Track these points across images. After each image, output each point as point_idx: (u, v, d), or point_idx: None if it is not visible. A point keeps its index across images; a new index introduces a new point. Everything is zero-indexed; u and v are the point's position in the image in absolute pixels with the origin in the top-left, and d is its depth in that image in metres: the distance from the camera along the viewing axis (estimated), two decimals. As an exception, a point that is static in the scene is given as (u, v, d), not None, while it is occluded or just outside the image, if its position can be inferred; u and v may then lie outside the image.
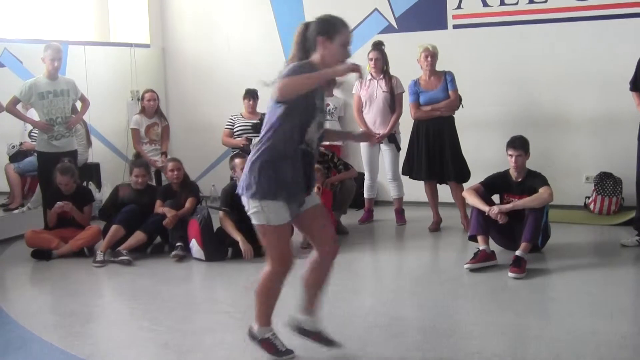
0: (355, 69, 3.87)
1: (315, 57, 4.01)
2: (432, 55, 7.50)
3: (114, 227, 7.04)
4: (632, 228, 6.92)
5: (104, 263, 6.79)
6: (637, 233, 6.76)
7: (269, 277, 4.13)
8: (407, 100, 7.72)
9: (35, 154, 8.04)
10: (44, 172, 7.73)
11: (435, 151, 7.46)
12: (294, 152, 3.97)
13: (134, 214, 7.16)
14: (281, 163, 3.95)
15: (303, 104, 3.91)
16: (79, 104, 8.16)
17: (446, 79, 7.53)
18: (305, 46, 4.06)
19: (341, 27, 4.03)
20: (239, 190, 4.07)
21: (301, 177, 4.03)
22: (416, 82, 7.61)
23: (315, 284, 4.33)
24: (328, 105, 9.08)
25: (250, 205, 4.03)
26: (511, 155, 6.38)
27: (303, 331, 4.37)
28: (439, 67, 7.59)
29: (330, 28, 4.00)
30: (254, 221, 4.08)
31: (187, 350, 4.53)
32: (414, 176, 7.71)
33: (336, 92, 9.15)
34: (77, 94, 7.99)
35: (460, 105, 7.59)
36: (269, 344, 4.25)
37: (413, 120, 7.67)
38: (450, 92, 7.49)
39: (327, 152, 7.78)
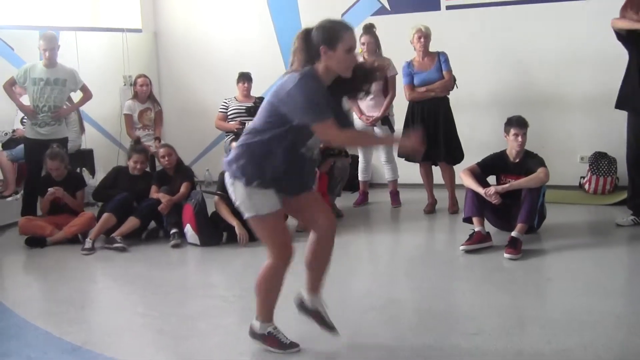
0: (417, 150, 3.91)
1: (320, 66, 3.80)
2: (425, 36, 7.47)
3: (105, 215, 7.02)
4: (626, 207, 6.92)
5: (92, 251, 6.76)
6: (632, 212, 6.76)
7: (269, 270, 4.04)
8: (401, 82, 7.69)
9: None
10: (29, 158, 7.79)
11: (430, 132, 7.44)
12: (293, 154, 3.88)
13: (126, 203, 7.13)
14: (272, 158, 3.85)
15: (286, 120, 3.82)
16: (79, 94, 8.13)
17: (440, 59, 7.50)
18: (311, 54, 3.82)
19: (343, 32, 3.78)
20: (226, 178, 3.98)
21: (296, 176, 3.98)
22: (410, 64, 7.58)
23: (318, 264, 4.25)
24: None
25: (237, 195, 3.93)
26: (516, 134, 6.33)
27: (304, 309, 4.31)
28: (432, 48, 7.56)
29: (332, 36, 3.76)
30: (244, 215, 3.99)
31: (182, 335, 4.52)
32: (410, 158, 7.69)
33: None
34: (76, 85, 7.93)
35: (455, 86, 7.56)
36: (272, 338, 4.16)
37: (408, 102, 7.64)
38: (444, 72, 7.46)
39: None
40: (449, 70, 7.48)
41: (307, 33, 3.85)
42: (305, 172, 4.08)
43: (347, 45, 3.77)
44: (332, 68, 3.80)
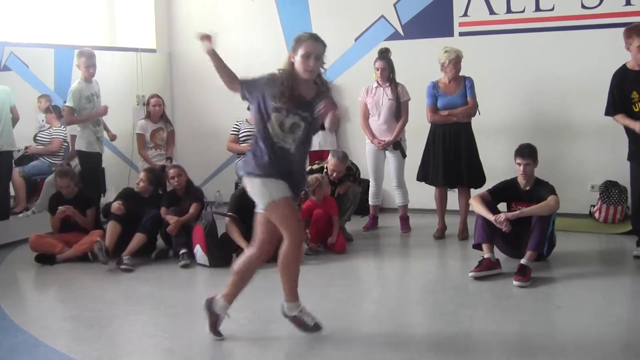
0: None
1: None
2: (460, 61, 7.50)
3: (110, 224, 7.12)
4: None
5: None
6: None
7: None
8: (416, 103, 7.69)
9: (76, 155, 8.51)
10: (94, 172, 8.14)
11: (451, 157, 7.43)
12: (273, 147, 4.48)
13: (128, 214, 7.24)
14: (260, 152, 4.52)
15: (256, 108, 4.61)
16: None
17: (466, 84, 7.50)
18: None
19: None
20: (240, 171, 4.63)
21: (286, 173, 4.50)
22: (435, 85, 7.56)
23: (283, 273, 4.65)
24: None
25: (251, 189, 4.50)
26: (519, 164, 6.37)
27: (285, 316, 4.77)
28: (442, 73, 7.59)
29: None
30: (260, 207, 4.50)
31: (192, 356, 4.53)
32: (429, 182, 7.67)
33: None
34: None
35: (477, 112, 7.55)
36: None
37: (429, 125, 7.63)
38: (468, 98, 7.46)
39: (353, 167, 7.90)
40: (473, 97, 7.47)
41: None
42: (295, 171, 4.60)
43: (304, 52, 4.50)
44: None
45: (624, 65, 6.49)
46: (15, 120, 8.16)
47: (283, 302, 4.75)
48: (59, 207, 7.27)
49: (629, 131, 6.49)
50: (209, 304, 4.76)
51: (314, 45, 4.53)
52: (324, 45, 4.58)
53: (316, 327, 4.72)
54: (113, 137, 8.61)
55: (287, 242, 4.47)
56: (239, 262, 4.70)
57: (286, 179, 4.50)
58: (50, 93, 9.00)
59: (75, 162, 8.61)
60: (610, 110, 6.60)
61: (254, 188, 4.50)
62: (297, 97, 4.52)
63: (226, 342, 4.78)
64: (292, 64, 4.58)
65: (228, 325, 5.11)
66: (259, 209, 4.56)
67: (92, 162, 8.20)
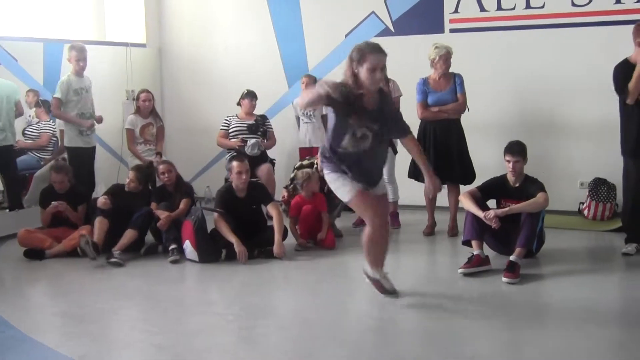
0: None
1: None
2: (450, 57, 7.49)
3: (97, 220, 7.08)
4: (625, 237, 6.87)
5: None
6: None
7: (366, 234, 5.07)
8: (406, 100, 7.69)
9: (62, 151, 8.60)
10: (79, 167, 8.02)
11: (442, 153, 7.43)
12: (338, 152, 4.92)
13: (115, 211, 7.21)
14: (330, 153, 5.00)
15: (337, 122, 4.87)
16: None
17: (456, 81, 7.50)
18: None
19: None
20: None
21: (357, 170, 4.95)
22: (425, 81, 7.56)
23: (374, 249, 5.20)
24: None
25: (329, 183, 5.08)
26: (509, 161, 6.38)
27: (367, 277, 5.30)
28: (432, 70, 7.59)
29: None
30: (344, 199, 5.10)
31: (181, 352, 4.51)
32: (420, 179, 7.67)
33: None
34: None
35: (467, 109, 7.55)
36: (377, 283, 5.27)
37: (419, 121, 7.61)
38: (458, 94, 7.46)
39: None
40: (463, 93, 7.47)
41: None
42: (364, 168, 4.99)
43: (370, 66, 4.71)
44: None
45: (626, 59, 6.47)
46: (18, 115, 8.32)
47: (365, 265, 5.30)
48: (52, 202, 7.25)
49: (629, 124, 6.48)
50: (366, 273, 5.33)
51: (379, 59, 4.72)
52: (386, 55, 4.76)
53: (393, 292, 5.33)
54: (99, 119, 8.46)
55: (367, 229, 5.06)
56: (364, 242, 5.19)
57: (359, 173, 4.97)
58: (39, 87, 8.95)
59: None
60: (623, 93, 6.46)
61: (329, 183, 5.10)
62: (361, 109, 4.77)
63: (214, 337, 4.78)
64: (354, 75, 4.74)
65: (215, 320, 5.13)
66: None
67: (75, 157, 8.17)
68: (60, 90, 8.00)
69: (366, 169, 5.04)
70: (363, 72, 4.67)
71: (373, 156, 5.05)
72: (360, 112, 4.78)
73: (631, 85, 6.25)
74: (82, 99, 8.12)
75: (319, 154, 5.05)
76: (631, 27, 6.48)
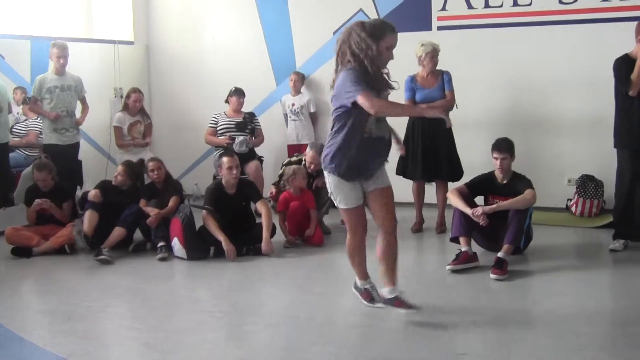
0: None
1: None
2: (437, 54, 7.50)
3: (87, 213, 7.04)
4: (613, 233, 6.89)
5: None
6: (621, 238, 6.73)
7: (348, 242, 4.97)
8: (394, 97, 7.67)
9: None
10: (56, 165, 7.84)
11: (430, 150, 7.44)
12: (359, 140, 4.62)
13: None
14: (345, 146, 4.64)
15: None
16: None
17: (443, 78, 7.50)
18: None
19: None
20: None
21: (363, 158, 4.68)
22: (413, 79, 7.55)
23: (384, 258, 4.92)
24: (293, 105, 9.14)
25: (329, 185, 4.82)
26: (496, 158, 6.40)
27: (386, 300, 4.91)
28: (420, 67, 7.59)
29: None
30: (336, 204, 4.91)
31: (169, 349, 4.51)
32: (408, 176, 7.67)
33: (303, 89, 9.35)
34: (81, 93, 8.36)
35: (455, 106, 7.54)
36: (366, 293, 5.05)
37: (407, 119, 7.61)
38: (446, 92, 7.46)
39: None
40: (452, 90, 7.47)
41: None
42: (373, 152, 4.73)
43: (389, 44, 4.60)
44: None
45: (626, 54, 6.48)
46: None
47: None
48: (36, 200, 7.22)
49: (628, 116, 6.48)
50: (355, 286, 5.17)
51: (396, 39, 4.64)
52: None
53: (382, 301, 4.98)
54: (78, 122, 8.37)
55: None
56: (347, 251, 5.06)
57: (364, 159, 4.70)
58: (26, 85, 8.90)
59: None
60: (626, 84, 6.47)
61: (330, 185, 4.82)
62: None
63: (202, 334, 4.78)
64: (377, 52, 4.56)
65: (204, 317, 5.13)
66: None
67: (50, 154, 8.09)
68: (33, 88, 8.09)
69: (374, 150, 4.78)
70: (379, 49, 4.56)
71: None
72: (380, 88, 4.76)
73: (634, 76, 6.27)
74: (56, 97, 8.05)
75: (321, 158, 4.83)
76: (618, 24, 6.55)
